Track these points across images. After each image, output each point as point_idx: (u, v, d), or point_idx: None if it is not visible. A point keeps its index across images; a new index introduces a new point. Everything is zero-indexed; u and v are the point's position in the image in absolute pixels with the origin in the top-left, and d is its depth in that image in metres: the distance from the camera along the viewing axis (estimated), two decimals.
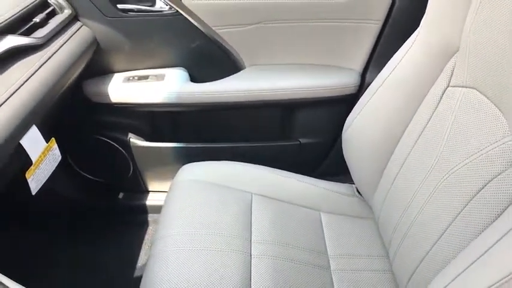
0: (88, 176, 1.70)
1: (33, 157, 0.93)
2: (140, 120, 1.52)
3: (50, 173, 1.03)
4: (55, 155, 1.04)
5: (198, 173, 1.33)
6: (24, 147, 0.89)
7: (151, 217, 1.75)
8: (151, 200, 1.75)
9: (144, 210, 1.75)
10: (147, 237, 1.70)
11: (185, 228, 1.15)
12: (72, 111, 1.43)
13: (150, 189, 1.76)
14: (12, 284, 0.68)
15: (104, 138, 1.54)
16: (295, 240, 1.18)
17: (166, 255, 1.07)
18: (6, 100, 0.91)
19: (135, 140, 1.56)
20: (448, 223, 0.88)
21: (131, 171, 1.65)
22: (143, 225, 1.74)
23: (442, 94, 1.02)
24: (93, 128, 1.53)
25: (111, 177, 1.70)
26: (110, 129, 1.54)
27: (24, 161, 0.92)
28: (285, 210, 1.28)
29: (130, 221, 1.74)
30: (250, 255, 1.10)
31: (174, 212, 1.22)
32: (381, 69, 1.17)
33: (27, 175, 0.92)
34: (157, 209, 1.75)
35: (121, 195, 1.76)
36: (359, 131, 1.26)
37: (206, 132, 1.54)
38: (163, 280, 1.00)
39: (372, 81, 1.19)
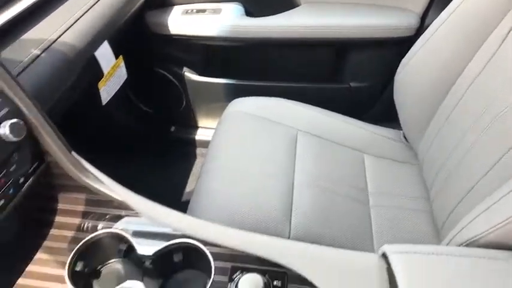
0: (144, 108, 1.81)
1: (105, 69, 1.02)
2: (195, 54, 1.58)
3: (117, 89, 1.12)
4: (122, 72, 1.13)
5: (248, 107, 1.39)
6: (98, 59, 0.97)
7: (199, 151, 1.86)
8: (200, 135, 1.84)
9: (193, 144, 1.85)
10: (194, 169, 1.81)
11: (232, 157, 1.23)
12: (134, 40, 1.50)
13: (199, 125, 1.84)
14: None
15: (160, 71, 1.63)
16: (337, 175, 1.22)
17: (213, 181, 1.15)
18: (81, 17, 1.00)
19: (189, 74, 1.63)
20: (492, 163, 0.88)
21: (183, 105, 1.74)
22: (192, 157, 1.85)
23: (505, 37, 0.98)
24: (151, 60, 1.61)
25: (165, 110, 1.80)
26: (167, 61, 1.61)
27: (96, 73, 1.01)
28: (329, 148, 1.31)
29: (180, 153, 1.85)
30: (293, 185, 1.16)
31: (222, 142, 1.30)
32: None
33: (99, 85, 1.01)
34: (205, 144, 1.85)
35: (173, 128, 1.86)
36: (413, 73, 1.24)
37: (257, 69, 1.58)
38: (208, 206, 1.09)
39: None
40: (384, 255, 0.71)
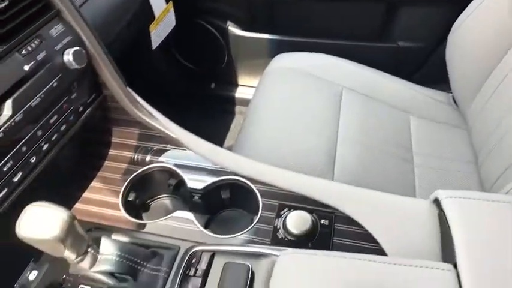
0: (185, 62, 1.82)
1: (156, 13, 1.03)
2: (240, 8, 1.56)
3: (166, 35, 1.13)
4: (171, 18, 1.14)
5: (292, 62, 1.37)
6: (150, 2, 0.98)
7: (238, 109, 1.86)
8: (240, 92, 1.84)
9: (232, 102, 1.86)
10: (233, 126, 1.83)
11: (275, 110, 1.22)
12: None
13: (240, 83, 1.84)
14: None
15: (204, 24, 1.62)
16: (381, 134, 1.19)
17: (256, 132, 1.16)
18: None
19: (232, 29, 1.62)
20: None
21: (225, 61, 1.73)
22: (230, 115, 1.86)
23: None
24: (195, 13, 1.60)
25: (207, 66, 1.81)
26: (211, 15, 1.60)
27: (148, 16, 1.02)
28: (374, 106, 1.28)
29: (219, 110, 1.86)
30: (337, 138, 1.15)
31: (266, 96, 1.29)
32: None
33: (151, 28, 1.03)
34: (245, 102, 1.85)
35: (213, 85, 1.87)
36: (467, 34, 1.18)
37: (303, 25, 1.54)
38: (250, 156, 1.10)
39: None
40: (436, 201, 0.70)
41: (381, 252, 0.69)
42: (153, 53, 1.66)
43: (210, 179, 0.82)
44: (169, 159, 0.87)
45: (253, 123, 1.20)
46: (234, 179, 0.81)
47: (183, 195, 0.89)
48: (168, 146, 0.88)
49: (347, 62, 1.37)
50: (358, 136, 1.17)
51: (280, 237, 0.72)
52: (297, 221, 0.71)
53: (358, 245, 0.71)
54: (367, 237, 0.72)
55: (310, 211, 0.74)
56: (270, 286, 0.59)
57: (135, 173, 0.85)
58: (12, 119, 0.64)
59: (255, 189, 0.79)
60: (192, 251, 0.69)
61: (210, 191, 0.82)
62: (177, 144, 0.87)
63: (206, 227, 0.79)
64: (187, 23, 1.62)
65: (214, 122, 1.83)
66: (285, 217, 0.73)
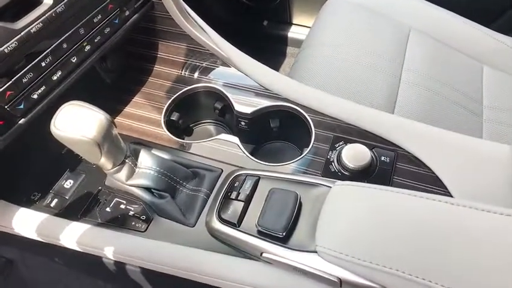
0: (246, 1, 1.70)
1: None
2: None
3: None
4: None
5: None
6: None
7: (290, 50, 1.75)
8: (293, 32, 1.72)
9: (284, 42, 1.74)
10: (283, 67, 1.72)
11: (335, 43, 1.11)
12: None
13: (294, 22, 1.72)
14: None
15: None
16: (449, 80, 1.06)
17: (313, 63, 1.06)
18: None
19: None
20: None
21: None
22: (281, 56, 1.75)
23: None
24: None
25: (261, 0, 1.69)
26: None
27: None
28: (444, 52, 1.14)
29: (270, 50, 1.76)
30: (400, 80, 1.03)
31: (325, 29, 1.17)
32: None
33: None
34: (298, 43, 1.73)
35: (265, 22, 1.76)
36: None
37: None
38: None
39: None
40: None
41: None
42: None
43: (260, 104, 0.75)
44: (217, 79, 0.80)
45: (309, 56, 1.10)
46: (287, 106, 0.73)
47: (229, 121, 0.83)
48: (218, 65, 0.81)
49: (418, 0, 1.21)
50: (424, 80, 1.04)
51: (333, 170, 0.65)
52: (354, 155, 0.63)
53: (421, 187, 0.62)
54: (432, 179, 0.63)
55: (370, 146, 0.65)
56: (320, 214, 0.52)
57: (180, 92, 0.79)
58: (53, 10, 0.58)
59: (308, 118, 0.71)
60: (236, 174, 0.63)
61: (258, 117, 0.75)
62: (227, 63, 0.79)
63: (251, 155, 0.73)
64: None
65: (263, 61, 1.73)
66: (341, 150, 0.65)
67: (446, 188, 0.61)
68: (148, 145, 0.72)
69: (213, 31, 0.78)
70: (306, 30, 1.79)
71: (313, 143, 0.68)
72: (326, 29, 1.17)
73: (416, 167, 0.64)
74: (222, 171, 0.67)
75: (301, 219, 0.54)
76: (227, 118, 0.82)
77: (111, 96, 0.81)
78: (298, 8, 1.66)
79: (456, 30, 1.18)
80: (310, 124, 0.70)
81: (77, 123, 0.53)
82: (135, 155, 0.64)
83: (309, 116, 0.71)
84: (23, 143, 0.65)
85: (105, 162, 0.58)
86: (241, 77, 0.78)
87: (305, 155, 0.67)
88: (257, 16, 1.76)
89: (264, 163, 0.67)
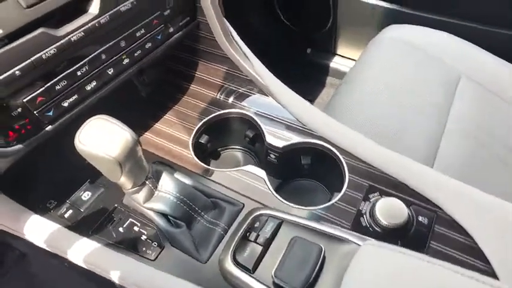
0: (285, 20, 1.69)
1: None
2: None
3: None
4: None
5: (405, 35, 1.18)
6: None
7: (330, 80, 1.71)
8: (337, 63, 1.68)
9: (326, 72, 1.71)
10: (321, 97, 1.68)
11: (377, 83, 1.06)
12: None
13: (338, 52, 1.68)
14: None
15: None
16: (498, 134, 0.98)
17: (352, 97, 1.01)
18: None
19: None
20: None
21: (329, 25, 1.58)
22: (321, 85, 1.71)
23: None
24: None
25: (308, 27, 1.67)
26: None
27: None
28: (496, 104, 1.06)
29: (310, 78, 1.72)
30: (444, 127, 0.96)
31: (371, 63, 1.13)
32: None
33: None
34: (340, 75, 1.69)
35: (309, 50, 1.73)
36: None
37: None
38: (342, 122, 0.97)
39: None
40: None
41: (489, 274, 0.54)
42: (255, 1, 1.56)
43: (293, 139, 0.71)
44: (252, 106, 0.77)
45: (350, 91, 1.05)
46: (321, 145, 0.69)
47: (258, 152, 0.79)
48: (255, 91, 0.78)
49: (471, 46, 1.15)
50: (471, 131, 0.97)
51: (364, 224, 0.59)
52: (390, 211, 0.57)
53: (460, 258, 0.56)
54: (474, 251, 0.56)
55: (407, 203, 0.60)
56: (345, 275, 0.47)
57: (212, 115, 0.76)
58: (97, 20, 0.57)
59: (343, 161, 0.66)
60: (258, 213, 0.59)
61: (289, 152, 0.71)
62: (265, 92, 0.76)
63: (276, 191, 0.69)
64: None
65: (302, 89, 1.69)
66: (375, 202, 0.59)
67: (490, 264, 0.54)
68: (172, 166, 0.69)
69: (255, 58, 0.75)
70: (350, 62, 1.76)
71: (346, 190, 0.63)
72: (371, 65, 1.12)
73: (456, 233, 0.57)
74: (244, 206, 0.63)
75: (322, 277, 0.49)
76: (257, 147, 0.79)
77: (142, 110, 0.79)
78: (344, 38, 1.62)
79: (507, 78, 1.11)
80: (344, 168, 0.65)
81: (101, 139, 0.50)
82: (157, 177, 0.61)
83: (344, 158, 0.66)
84: (47, 148, 0.63)
85: (124, 182, 0.56)
86: (277, 108, 0.74)
87: (335, 201, 0.62)
88: (301, 43, 1.74)
89: (289, 203, 0.63)
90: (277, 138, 0.71)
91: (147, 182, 0.58)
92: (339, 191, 0.65)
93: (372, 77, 1.07)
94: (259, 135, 0.75)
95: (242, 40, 0.79)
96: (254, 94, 0.78)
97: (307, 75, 1.72)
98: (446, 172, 0.90)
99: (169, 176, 0.61)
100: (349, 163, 0.66)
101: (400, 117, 0.96)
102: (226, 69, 0.80)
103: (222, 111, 0.76)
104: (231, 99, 0.79)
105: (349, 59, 1.70)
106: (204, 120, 0.75)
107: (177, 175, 0.66)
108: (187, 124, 0.76)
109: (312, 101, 1.67)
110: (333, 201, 0.62)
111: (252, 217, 0.58)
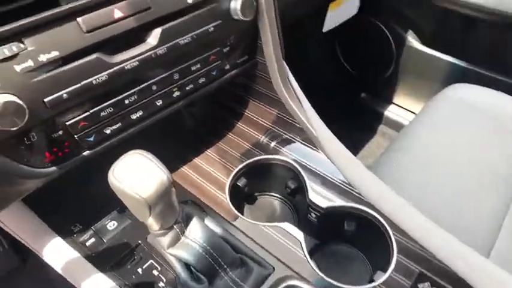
0: (343, 62, 1.65)
1: None
2: (425, 16, 1.32)
3: (342, 21, 0.99)
4: (354, 3, 0.98)
5: (471, 96, 1.09)
6: None
7: (383, 128, 1.63)
8: (392, 112, 1.60)
9: (379, 119, 1.63)
10: (370, 145, 1.60)
11: (436, 147, 0.98)
12: None
13: (394, 101, 1.60)
14: None
15: (380, 25, 1.42)
16: None
17: (404, 164, 0.93)
18: None
19: (411, 39, 1.38)
20: None
21: (389, 73, 1.51)
22: (371, 132, 1.64)
23: None
24: (376, 10, 1.40)
25: (366, 72, 1.61)
26: (392, 16, 1.39)
27: None
28: None
29: (361, 122, 1.65)
30: (509, 205, 0.86)
31: (429, 126, 1.05)
32: None
33: (331, 6, 0.89)
34: (393, 125, 1.61)
35: (363, 94, 1.67)
36: None
37: (496, 57, 1.23)
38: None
39: None
40: None
41: None
42: (316, 38, 1.53)
43: (339, 201, 0.65)
44: (299, 156, 0.72)
45: (405, 150, 0.98)
46: (371, 214, 0.62)
47: (297, 205, 0.73)
48: (304, 141, 0.73)
49: None
50: None
51: None
52: None
53: None
54: None
55: None
56: None
57: (255, 158, 0.72)
58: (154, 51, 0.55)
59: (393, 237, 0.59)
60: (287, 284, 0.53)
61: (332, 214, 0.65)
62: (315, 143, 0.71)
63: (311, 254, 0.62)
64: (363, 19, 1.44)
65: (351, 133, 1.62)
66: None
67: None
68: (204, 209, 0.65)
69: (310, 106, 0.70)
70: (405, 113, 1.67)
71: (392, 273, 0.56)
72: (431, 126, 1.04)
73: None
74: (274, 270, 0.57)
75: None
76: (297, 200, 0.73)
77: (185, 142, 0.76)
78: (403, 88, 1.55)
79: None
80: (393, 245, 0.58)
81: (135, 177, 0.47)
82: (186, 221, 0.57)
83: (394, 235, 0.59)
84: (80, 170, 0.61)
85: (152, 223, 0.52)
86: (325, 163, 0.69)
87: (378, 284, 0.55)
88: (357, 86, 1.68)
89: (324, 276, 0.56)
90: (321, 196, 0.65)
91: (175, 227, 0.54)
92: (383, 269, 0.57)
93: (431, 139, 0.99)
94: (301, 189, 0.69)
95: (296, 75, 0.75)
96: (302, 143, 0.73)
97: (358, 120, 1.65)
98: (504, 264, 0.80)
99: (199, 223, 0.57)
100: (400, 241, 0.58)
101: (457, 188, 0.87)
102: (277, 113, 0.76)
103: (266, 156, 0.72)
104: (276, 144, 0.74)
105: (405, 109, 1.61)
106: (246, 162, 0.71)
107: (208, 221, 0.61)
108: (228, 164, 0.72)
109: (360, 148, 1.59)
110: (375, 283, 0.55)
111: (281, 287, 0.52)
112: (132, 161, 0.49)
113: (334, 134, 0.70)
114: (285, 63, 0.71)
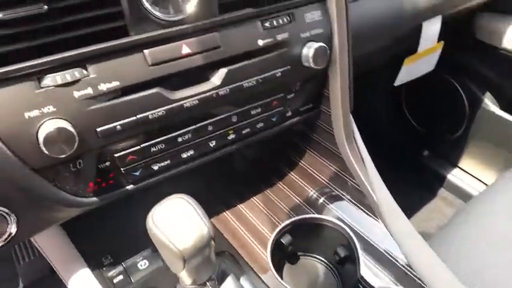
0: (409, 117, 1.56)
1: (421, 46, 0.83)
2: (508, 80, 1.21)
3: (416, 76, 0.93)
4: (432, 60, 0.93)
5: None
6: (422, 31, 0.79)
7: (443, 192, 1.49)
8: (457, 177, 1.46)
9: (440, 181, 1.50)
10: (428, 208, 1.47)
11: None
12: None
13: (460, 165, 1.47)
14: None
15: (456, 84, 1.32)
16: None
17: (478, 240, 0.82)
18: None
19: (488, 102, 1.27)
20: None
21: (458, 135, 1.40)
22: (430, 194, 1.50)
23: None
24: (453, 68, 1.32)
25: (432, 130, 1.50)
26: (469, 76, 1.29)
27: (409, 46, 0.84)
28: None
29: (420, 183, 1.53)
30: None
31: (504, 203, 0.93)
32: None
33: (406, 61, 0.84)
34: (456, 190, 1.47)
35: (426, 152, 1.56)
36: None
37: None
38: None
39: None
40: None
41: None
42: (382, 88, 1.46)
43: (395, 284, 0.56)
44: (353, 221, 0.65)
45: (471, 227, 0.86)
46: None
47: (344, 276, 0.66)
48: (363, 206, 0.66)
49: None
50: None
51: None
52: None
53: None
54: None
55: None
56: None
57: (305, 216, 0.65)
58: (216, 91, 0.52)
59: None
60: None
61: None
62: (375, 211, 0.64)
63: None
64: (436, 75, 1.35)
65: (409, 194, 1.50)
66: None
67: None
68: (241, 264, 0.59)
69: (374, 169, 0.64)
70: (474, 181, 1.52)
71: None
72: (506, 201, 0.92)
73: None
74: None
75: None
76: (345, 271, 0.65)
77: (231, 183, 0.72)
78: (474, 153, 1.41)
79: None
80: None
81: (174, 224, 0.44)
82: (221, 278, 0.52)
83: None
84: (121, 202, 0.59)
85: (184, 277, 0.48)
86: (383, 235, 0.61)
87: None
88: (421, 142, 1.57)
89: None
90: (374, 275, 0.57)
91: (208, 284, 0.49)
92: None
93: (505, 219, 0.87)
94: (352, 259, 0.62)
95: (356, 121, 0.69)
96: (359, 208, 0.66)
97: (417, 180, 1.53)
98: None
99: (233, 283, 0.51)
100: None
101: None
102: (335, 169, 0.69)
103: (317, 216, 0.65)
104: (331, 204, 0.68)
105: (473, 177, 1.47)
106: (293, 219, 0.65)
107: (243, 281, 0.56)
108: (273, 217, 0.67)
109: (416, 208, 1.46)
110: None
111: None
112: (173, 207, 0.45)
113: (390, 187, 0.63)
114: (351, 118, 0.66)
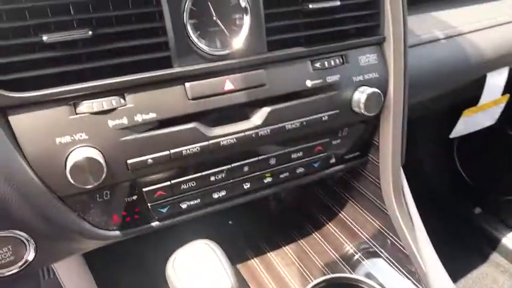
0: (460, 169, 1.45)
1: (482, 98, 0.76)
2: None
3: (474, 130, 0.86)
4: (495, 113, 0.85)
5: None
6: (486, 82, 0.72)
7: (497, 259, 1.35)
8: (509, 238, 1.32)
9: (491, 243, 1.36)
10: (476, 274, 1.33)
11: None
12: None
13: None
14: None
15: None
16: None
17: None
18: (500, 25, 0.76)
19: None
20: None
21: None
22: (480, 257, 1.36)
23: None
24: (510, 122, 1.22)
25: (486, 185, 1.38)
26: None
27: (471, 96, 0.77)
28: None
29: (470, 244, 1.39)
30: None
31: None
32: None
33: (465, 112, 0.77)
34: (508, 255, 1.33)
35: (477, 210, 1.43)
36: None
37: None
38: None
39: None
40: None
41: None
42: (434, 137, 1.37)
43: None
44: (390, 285, 0.57)
45: None
46: None
47: None
48: (404, 269, 0.59)
49: None
50: None
51: None
52: None
53: None
54: None
55: None
56: None
57: (339, 275, 0.59)
58: (256, 131, 0.48)
59: None
60: None
61: None
62: (420, 277, 0.56)
63: None
64: (496, 130, 1.25)
65: (459, 260, 1.37)
66: None
67: None
68: None
69: (424, 232, 0.57)
70: None
71: None
72: None
73: None
74: None
75: None
76: None
77: (263, 229, 0.67)
78: None
79: None
80: None
81: (195, 275, 0.40)
82: None
83: None
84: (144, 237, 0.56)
85: None
86: None
87: None
88: (472, 199, 1.44)
89: None
90: None
91: None
92: None
93: None
94: None
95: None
96: (402, 273, 0.59)
97: (468, 241, 1.40)
98: None
99: None
100: None
101: None
102: (379, 226, 0.63)
103: (353, 276, 0.59)
104: (368, 263, 0.61)
105: None
106: (327, 277, 0.59)
107: None
108: (305, 271, 0.61)
109: (462, 274, 1.32)
110: None
111: None
112: (197, 254, 0.42)
113: (435, 244, 0.55)
114: (402, 172, 0.60)
